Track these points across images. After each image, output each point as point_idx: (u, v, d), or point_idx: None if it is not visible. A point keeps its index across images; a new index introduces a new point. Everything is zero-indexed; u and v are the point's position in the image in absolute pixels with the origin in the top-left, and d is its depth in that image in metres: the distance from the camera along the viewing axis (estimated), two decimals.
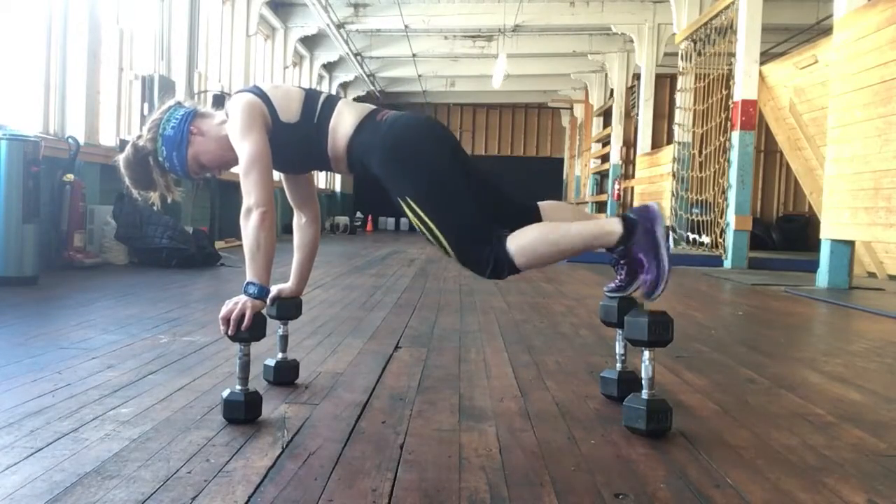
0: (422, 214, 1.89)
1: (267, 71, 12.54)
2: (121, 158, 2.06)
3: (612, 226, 1.83)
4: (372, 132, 1.96)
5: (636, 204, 12.18)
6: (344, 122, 1.99)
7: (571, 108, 19.40)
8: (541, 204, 2.09)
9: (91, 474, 1.43)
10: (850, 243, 5.97)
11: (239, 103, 1.93)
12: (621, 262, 1.95)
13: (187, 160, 2.00)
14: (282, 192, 2.30)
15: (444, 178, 1.94)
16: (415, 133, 1.98)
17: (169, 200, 2.15)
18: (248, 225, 1.83)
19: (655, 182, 11.32)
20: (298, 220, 2.26)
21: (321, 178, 16.65)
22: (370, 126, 1.97)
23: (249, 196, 1.85)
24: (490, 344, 2.99)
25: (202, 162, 2.03)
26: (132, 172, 2.04)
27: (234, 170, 2.08)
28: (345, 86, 17.11)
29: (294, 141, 1.99)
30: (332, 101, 2.03)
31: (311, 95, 2.03)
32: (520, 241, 1.85)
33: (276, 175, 2.08)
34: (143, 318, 3.32)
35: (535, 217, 2.07)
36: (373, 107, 2.06)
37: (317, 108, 2.00)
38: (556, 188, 20.24)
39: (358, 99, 15.05)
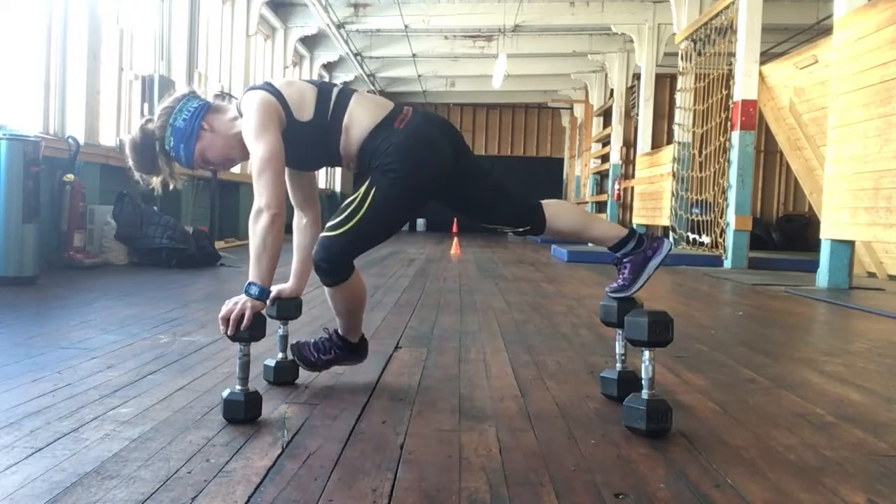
0: (366, 205, 1.95)
1: (267, 71, 12.53)
2: (127, 140, 2.04)
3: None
4: (385, 139, 1.96)
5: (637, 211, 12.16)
6: (359, 122, 1.98)
7: (571, 108, 19.39)
8: (545, 202, 2.13)
9: (91, 474, 1.43)
10: (850, 243, 5.97)
11: (254, 102, 1.91)
12: (624, 260, 2.05)
13: (194, 154, 2.00)
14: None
15: (404, 216, 2.07)
16: (421, 157, 1.98)
17: (171, 187, 2.13)
18: (257, 226, 1.82)
19: (655, 182, 11.31)
20: (299, 221, 2.26)
21: (321, 179, 16.64)
22: (385, 132, 1.97)
23: (261, 197, 1.84)
24: (490, 344, 2.99)
25: (208, 157, 2.02)
26: (137, 155, 2.02)
27: (236, 170, 2.08)
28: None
29: (308, 138, 1.98)
30: (345, 96, 2.01)
31: (323, 90, 2.02)
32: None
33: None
34: (143, 318, 3.32)
35: (539, 215, 2.10)
36: (390, 107, 2.03)
37: (330, 104, 1.99)
38: (556, 188, 20.24)
39: None
